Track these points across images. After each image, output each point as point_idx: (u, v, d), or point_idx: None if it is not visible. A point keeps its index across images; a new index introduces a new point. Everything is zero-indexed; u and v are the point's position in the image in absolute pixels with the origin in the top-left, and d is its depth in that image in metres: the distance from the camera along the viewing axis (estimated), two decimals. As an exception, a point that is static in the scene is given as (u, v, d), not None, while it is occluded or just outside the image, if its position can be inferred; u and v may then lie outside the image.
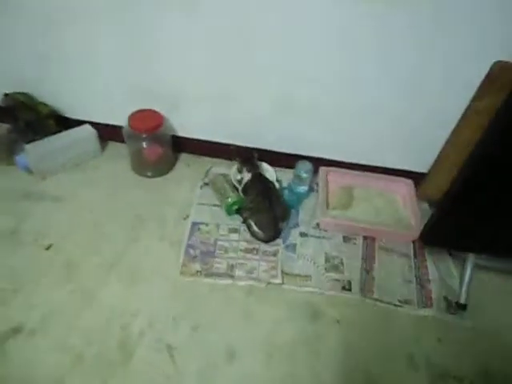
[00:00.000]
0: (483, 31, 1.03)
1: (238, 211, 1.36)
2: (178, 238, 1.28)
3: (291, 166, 1.51)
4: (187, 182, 1.48)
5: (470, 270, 1.16)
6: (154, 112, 1.39)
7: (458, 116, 1.24)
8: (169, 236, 1.29)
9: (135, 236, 1.28)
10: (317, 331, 1.08)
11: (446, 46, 1.10)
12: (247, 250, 1.27)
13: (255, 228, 1.29)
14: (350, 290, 1.19)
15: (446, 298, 1.18)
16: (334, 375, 1.00)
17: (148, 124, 1.35)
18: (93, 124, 1.53)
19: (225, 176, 1.48)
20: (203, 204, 1.41)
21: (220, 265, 1.22)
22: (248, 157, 1.42)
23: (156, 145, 1.42)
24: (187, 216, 1.36)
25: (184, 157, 1.59)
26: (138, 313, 1.08)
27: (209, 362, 0.99)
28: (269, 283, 1.18)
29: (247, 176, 1.39)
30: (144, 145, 1.40)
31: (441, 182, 1.32)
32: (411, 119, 1.32)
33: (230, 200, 1.34)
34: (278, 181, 1.49)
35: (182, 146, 1.57)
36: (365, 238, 1.34)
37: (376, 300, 1.17)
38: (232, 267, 1.21)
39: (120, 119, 1.41)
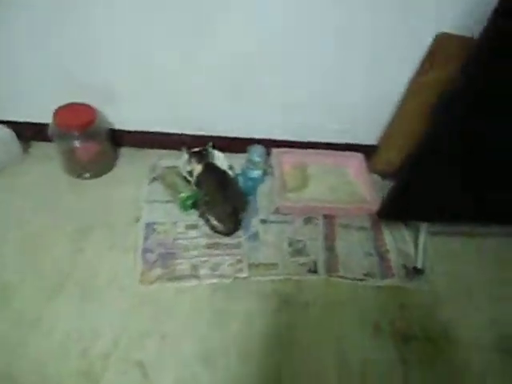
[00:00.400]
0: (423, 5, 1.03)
1: (194, 205, 1.28)
2: (131, 243, 1.18)
3: (243, 151, 1.46)
4: (132, 180, 1.36)
5: (423, 237, 1.22)
6: (85, 106, 1.23)
7: (402, 89, 1.26)
8: (120, 242, 1.18)
9: (81, 247, 1.15)
10: (288, 319, 1.08)
11: (389, 21, 1.09)
12: (209, 246, 1.21)
13: (214, 221, 1.22)
14: (315, 271, 1.19)
15: (404, 266, 1.24)
16: (310, 359, 1.01)
17: (79, 120, 1.18)
18: (10, 123, 1.31)
19: (174, 169, 1.38)
20: (155, 201, 1.30)
21: (182, 266, 1.14)
22: (198, 147, 1.33)
23: (90, 142, 1.26)
24: (138, 218, 1.25)
25: (125, 152, 1.45)
26: (99, 333, 0.98)
27: (185, 372, 0.94)
28: (235, 278, 1.13)
29: (198, 167, 1.31)
30: (76, 143, 1.23)
31: (390, 154, 1.37)
32: (357, 94, 1.32)
33: (183, 195, 1.25)
34: (230, 167, 1.42)
35: (121, 140, 1.42)
36: (325, 216, 1.35)
37: (341, 277, 1.19)
38: (195, 267, 1.15)
39: (43, 116, 1.22)
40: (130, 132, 1.41)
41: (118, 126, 1.38)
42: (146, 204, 1.29)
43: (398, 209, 1.07)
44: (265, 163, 1.40)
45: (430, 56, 1.04)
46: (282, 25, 1.12)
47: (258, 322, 1.06)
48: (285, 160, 1.45)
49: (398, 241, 1.31)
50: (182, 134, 1.44)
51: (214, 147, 1.40)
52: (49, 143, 1.34)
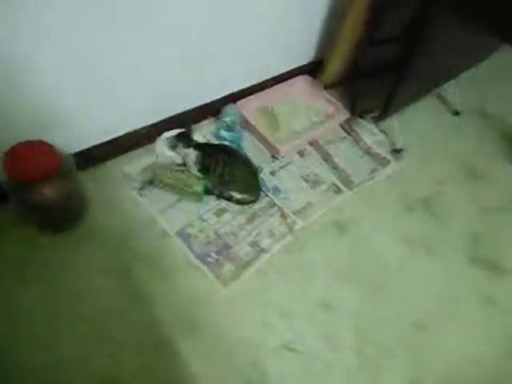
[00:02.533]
0: None
1: (207, 192, 1.19)
2: (181, 259, 1.07)
3: (204, 119, 1.37)
4: (121, 199, 1.16)
5: (397, 121, 1.44)
6: (36, 143, 0.92)
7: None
8: (171, 266, 1.05)
9: (135, 293, 0.99)
10: (352, 236, 1.20)
11: None
12: (249, 220, 1.18)
13: (239, 195, 1.19)
14: (340, 191, 1.31)
15: (388, 151, 1.46)
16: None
17: (43, 163, 0.90)
18: None
19: (157, 165, 1.22)
20: (165, 208, 1.16)
21: (244, 249, 1.11)
22: (182, 134, 1.18)
23: (62, 181, 0.98)
24: (165, 232, 1.11)
25: (87, 175, 1.17)
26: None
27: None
28: (294, 231, 1.17)
29: (190, 151, 1.18)
30: (47, 192, 0.95)
31: (338, 64, 1.47)
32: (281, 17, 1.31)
33: (198, 188, 1.14)
34: (205, 138, 1.34)
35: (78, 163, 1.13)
36: (310, 144, 1.43)
37: (359, 185, 1.34)
38: (255, 243, 1.13)
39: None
40: (83, 151, 1.14)
41: (70, 150, 1.09)
42: (159, 215, 1.14)
43: (395, 105, 1.23)
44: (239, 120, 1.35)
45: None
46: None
47: (344, 252, 1.16)
48: (251, 108, 1.41)
49: (372, 135, 1.50)
50: (141, 128, 1.24)
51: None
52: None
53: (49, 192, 0.93)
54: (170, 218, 1.14)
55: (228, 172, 1.16)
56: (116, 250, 1.05)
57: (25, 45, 0.82)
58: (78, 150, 1.12)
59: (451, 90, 1.61)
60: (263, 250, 1.12)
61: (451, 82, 1.56)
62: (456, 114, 1.64)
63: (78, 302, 0.95)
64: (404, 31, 1.21)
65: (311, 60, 1.55)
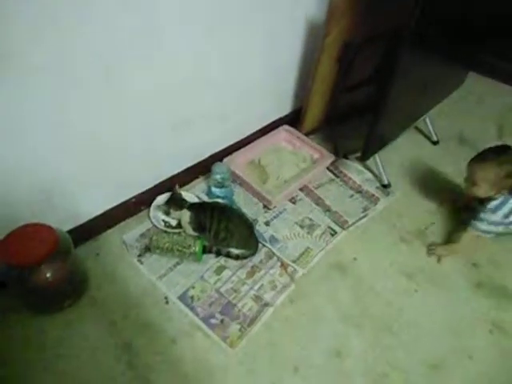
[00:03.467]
0: None
1: (204, 250, 1.20)
2: (185, 324, 1.05)
3: (195, 178, 1.42)
4: (119, 271, 1.16)
5: (379, 158, 1.49)
6: (32, 226, 0.94)
7: (298, 56, 1.44)
8: (175, 332, 1.03)
9: (142, 365, 0.96)
10: (353, 277, 1.20)
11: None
12: (249, 274, 1.18)
13: (237, 251, 1.20)
14: (336, 233, 1.33)
15: (377, 188, 1.50)
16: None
17: (40, 246, 0.92)
18: None
19: (154, 231, 1.24)
20: (165, 273, 1.16)
21: (247, 306, 1.10)
22: (171, 197, 1.22)
23: (58, 262, 0.99)
24: (166, 299, 1.10)
25: (85, 249, 1.19)
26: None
27: None
28: (295, 280, 1.17)
29: (183, 213, 1.21)
30: (47, 274, 0.96)
31: (317, 112, 1.55)
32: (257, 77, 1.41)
33: (197, 248, 1.16)
34: (198, 198, 1.37)
35: (75, 238, 1.15)
36: (300, 190, 1.47)
37: (353, 225, 1.36)
38: (258, 298, 1.12)
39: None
40: (79, 226, 1.16)
41: (66, 227, 1.11)
42: (159, 280, 1.14)
43: (371, 147, 1.28)
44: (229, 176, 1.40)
45: (329, 17, 1.21)
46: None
47: (349, 299, 1.15)
48: (239, 163, 1.47)
49: (358, 174, 1.55)
50: (135, 196, 1.27)
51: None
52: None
53: (48, 274, 0.94)
54: (170, 282, 1.14)
55: (223, 229, 1.18)
56: (119, 323, 1.03)
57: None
58: (74, 225, 1.14)
59: (427, 121, 1.69)
60: (267, 304, 1.11)
61: (426, 114, 1.65)
62: (435, 143, 1.71)
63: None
64: (374, 74, 1.30)
65: (291, 110, 1.64)
